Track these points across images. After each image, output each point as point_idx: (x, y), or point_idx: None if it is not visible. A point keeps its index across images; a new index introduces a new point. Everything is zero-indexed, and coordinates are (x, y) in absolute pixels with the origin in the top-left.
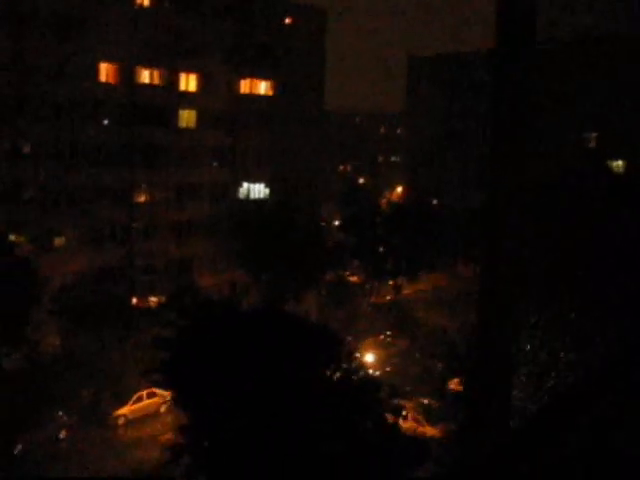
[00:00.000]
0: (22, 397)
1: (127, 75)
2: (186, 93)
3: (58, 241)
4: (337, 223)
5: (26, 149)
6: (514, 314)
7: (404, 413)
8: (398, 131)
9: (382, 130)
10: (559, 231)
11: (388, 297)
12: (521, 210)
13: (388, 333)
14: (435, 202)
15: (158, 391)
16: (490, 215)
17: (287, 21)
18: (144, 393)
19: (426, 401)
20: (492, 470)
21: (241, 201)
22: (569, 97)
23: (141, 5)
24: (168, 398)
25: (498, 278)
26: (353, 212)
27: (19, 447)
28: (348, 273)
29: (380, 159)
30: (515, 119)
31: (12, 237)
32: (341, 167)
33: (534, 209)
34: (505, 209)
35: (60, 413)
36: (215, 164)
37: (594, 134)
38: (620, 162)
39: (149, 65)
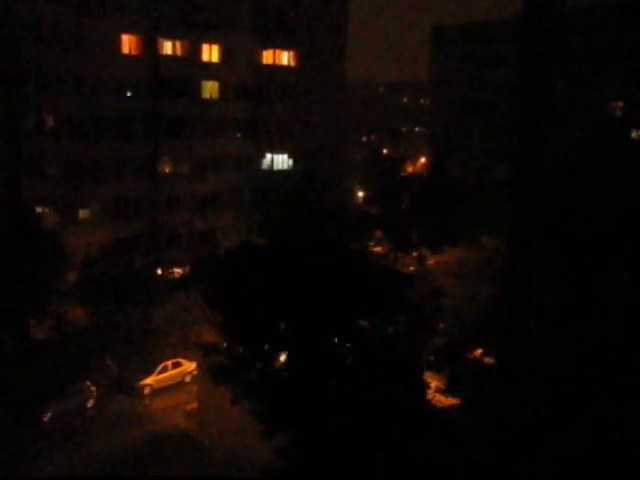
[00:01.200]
0: (50, 367)
1: (149, 47)
2: (209, 64)
3: (83, 213)
4: (361, 194)
5: (49, 123)
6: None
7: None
8: (422, 101)
9: (405, 100)
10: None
11: (411, 268)
12: (550, 180)
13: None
14: (459, 172)
15: (183, 361)
16: (519, 186)
17: None
18: (169, 363)
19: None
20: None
21: (265, 172)
22: (598, 62)
23: None
24: (192, 368)
25: (525, 251)
26: (377, 183)
27: (48, 415)
28: (372, 244)
29: (404, 129)
30: (543, 90)
31: (38, 209)
32: (364, 138)
33: (562, 181)
34: (534, 179)
35: (87, 383)
36: (238, 135)
37: (620, 103)
38: None
39: (171, 37)
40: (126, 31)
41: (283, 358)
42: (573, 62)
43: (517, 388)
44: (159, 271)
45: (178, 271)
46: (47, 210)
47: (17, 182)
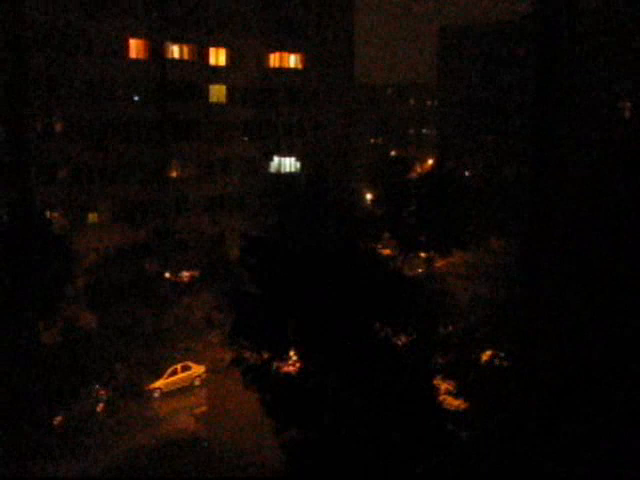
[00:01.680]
0: (60, 371)
1: (157, 51)
2: (216, 68)
3: (92, 217)
4: (369, 196)
5: (59, 127)
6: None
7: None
8: (429, 102)
9: (413, 102)
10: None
11: (420, 270)
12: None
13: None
14: (467, 174)
15: (192, 364)
16: (533, 186)
17: None
18: (178, 367)
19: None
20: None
21: (272, 175)
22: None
23: None
24: (202, 372)
25: (540, 252)
26: (385, 185)
27: (58, 419)
28: (380, 246)
29: (411, 131)
30: (559, 88)
31: (47, 213)
32: (372, 140)
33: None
34: (550, 181)
35: (97, 386)
36: (246, 139)
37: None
38: None
39: (178, 41)
40: (134, 35)
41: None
42: (588, 60)
43: (531, 390)
44: (167, 275)
45: (186, 274)
46: (57, 214)
47: (28, 186)
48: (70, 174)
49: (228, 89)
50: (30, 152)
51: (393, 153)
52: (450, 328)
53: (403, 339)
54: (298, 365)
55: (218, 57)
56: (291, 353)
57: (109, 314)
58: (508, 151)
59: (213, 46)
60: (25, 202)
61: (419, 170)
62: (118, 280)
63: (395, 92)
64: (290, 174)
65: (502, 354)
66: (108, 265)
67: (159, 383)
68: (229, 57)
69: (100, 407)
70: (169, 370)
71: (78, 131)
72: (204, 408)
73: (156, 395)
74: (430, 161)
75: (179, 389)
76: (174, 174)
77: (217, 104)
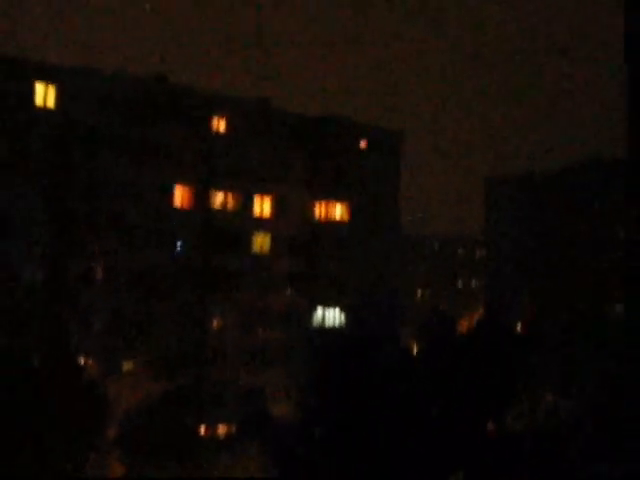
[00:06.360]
0: None
1: (201, 199)
2: (260, 217)
3: (127, 365)
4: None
5: (99, 275)
6: None
7: None
8: (478, 253)
9: (461, 252)
10: None
11: None
12: None
13: None
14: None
15: None
16: None
17: (362, 145)
18: None
19: None
20: None
21: (315, 329)
22: None
23: (217, 132)
24: None
25: None
26: (430, 340)
27: None
28: None
29: (460, 283)
30: None
31: (81, 360)
32: (420, 291)
33: None
34: None
35: None
36: (289, 290)
37: None
38: None
39: (223, 188)
40: (179, 183)
41: None
42: None
43: None
44: (202, 429)
45: (223, 429)
46: (91, 361)
47: (64, 330)
48: (107, 321)
49: (272, 238)
50: (68, 295)
51: (440, 306)
52: None
53: None
54: None
55: (263, 205)
56: None
57: (140, 471)
58: (560, 302)
59: (257, 194)
60: (59, 347)
61: (466, 323)
62: (151, 433)
63: (443, 244)
64: (334, 328)
65: None
66: (141, 417)
67: None
68: (274, 206)
69: None
70: None
71: (116, 278)
72: None
73: None
74: (478, 313)
75: None
76: (214, 324)
77: (260, 254)
